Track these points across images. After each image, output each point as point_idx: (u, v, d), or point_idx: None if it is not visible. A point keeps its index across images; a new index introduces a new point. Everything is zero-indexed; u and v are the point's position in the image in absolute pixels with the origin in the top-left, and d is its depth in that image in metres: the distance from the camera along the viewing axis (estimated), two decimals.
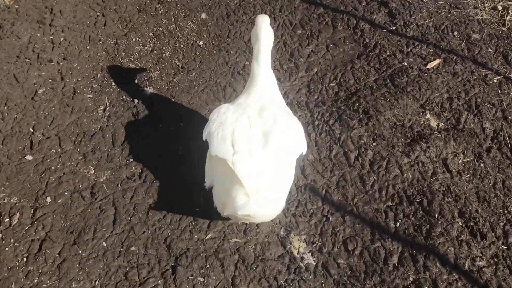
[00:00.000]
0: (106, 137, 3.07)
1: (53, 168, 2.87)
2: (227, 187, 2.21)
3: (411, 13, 4.05)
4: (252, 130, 2.32)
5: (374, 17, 4.04)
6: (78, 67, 3.57)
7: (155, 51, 3.76)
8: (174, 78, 3.53)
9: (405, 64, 3.59)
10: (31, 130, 3.09)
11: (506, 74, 3.49)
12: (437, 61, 3.61)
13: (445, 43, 3.78)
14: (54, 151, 2.97)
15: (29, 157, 2.89)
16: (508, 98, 3.30)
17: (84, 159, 2.94)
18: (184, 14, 4.10)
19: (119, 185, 2.80)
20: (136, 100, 3.33)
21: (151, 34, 3.92)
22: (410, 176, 2.87)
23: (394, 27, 3.94)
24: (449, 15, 4.05)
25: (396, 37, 3.86)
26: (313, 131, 3.14)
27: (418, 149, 2.98)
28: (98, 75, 3.52)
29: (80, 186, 2.79)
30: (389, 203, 2.74)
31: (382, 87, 3.40)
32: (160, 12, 4.12)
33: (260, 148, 2.25)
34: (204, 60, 3.68)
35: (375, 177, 2.87)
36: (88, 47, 3.75)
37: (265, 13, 4.12)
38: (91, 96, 3.35)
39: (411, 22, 3.97)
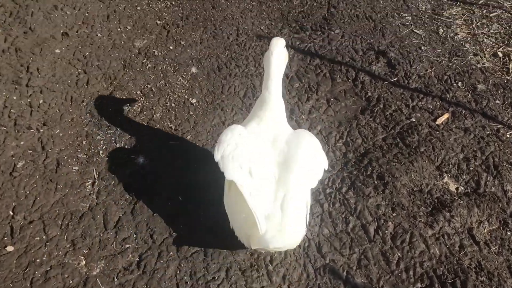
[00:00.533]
0: (97, 218, 2.73)
1: (38, 260, 2.51)
2: (251, 219, 2.05)
3: (411, 63, 3.88)
4: (268, 160, 2.22)
5: (374, 68, 3.85)
6: (61, 134, 3.23)
7: (144, 112, 3.46)
8: (168, 143, 3.22)
9: (413, 120, 3.38)
10: (11, 213, 2.72)
11: None
12: (446, 116, 3.42)
13: (451, 94, 3.60)
14: (39, 238, 2.61)
15: (10, 248, 2.53)
16: None
17: (73, 247, 2.59)
18: (173, 69, 3.83)
19: (115, 279, 2.46)
20: (127, 171, 3.01)
21: (139, 92, 3.62)
22: (437, 252, 2.62)
23: (395, 79, 3.75)
24: (450, 64, 3.90)
25: (399, 89, 3.67)
26: (326, 200, 2.88)
27: (442, 219, 2.75)
28: (84, 143, 3.19)
29: (71, 282, 2.43)
30: (419, 285, 2.48)
31: (393, 147, 3.17)
32: (147, 67, 3.83)
33: (275, 179, 2.18)
34: (199, 121, 3.40)
35: (399, 254, 2.61)
36: (70, 110, 3.43)
37: (258, 64, 3.89)
38: (76, 168, 3.02)
39: (412, 73, 3.79)
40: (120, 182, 2.95)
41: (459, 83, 3.71)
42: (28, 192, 2.84)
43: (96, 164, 3.05)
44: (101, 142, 3.20)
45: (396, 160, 3.06)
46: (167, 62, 3.90)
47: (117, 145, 3.19)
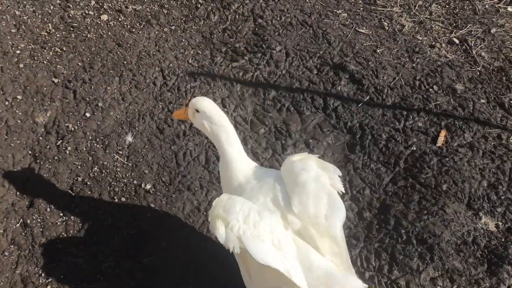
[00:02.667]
0: None
1: None
2: None
3: (376, 73, 3.38)
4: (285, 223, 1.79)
5: (339, 88, 3.29)
6: None
7: (89, 220, 2.57)
8: (141, 261, 2.40)
9: (414, 148, 2.90)
10: None
11: None
12: (443, 133, 3.00)
13: (433, 103, 3.17)
14: None
15: None
16: None
17: None
18: (102, 145, 2.94)
19: None
20: None
21: (69, 190, 2.69)
22: None
23: (367, 97, 3.23)
24: (414, 65, 3.47)
25: (377, 110, 3.16)
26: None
27: (506, 276, 2.32)
28: None
29: None
30: None
31: (410, 192, 2.67)
32: (67, 151, 2.89)
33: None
34: (166, 215, 2.60)
35: None
36: None
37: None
38: None
39: (382, 86, 3.29)
40: None
41: (435, 87, 3.30)
42: None
43: None
44: (48, 285, 2.29)
45: (425, 210, 2.56)
46: (90, 137, 2.98)
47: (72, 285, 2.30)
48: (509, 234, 2.50)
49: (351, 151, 2.94)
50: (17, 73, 3.34)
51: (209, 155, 2.90)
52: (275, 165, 2.84)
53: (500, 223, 2.56)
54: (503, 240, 2.47)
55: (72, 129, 3.01)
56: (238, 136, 2.04)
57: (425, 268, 2.35)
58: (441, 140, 2.95)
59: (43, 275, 2.34)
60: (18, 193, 2.68)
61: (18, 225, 2.54)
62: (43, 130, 3.00)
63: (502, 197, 2.65)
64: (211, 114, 2.02)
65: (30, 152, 2.88)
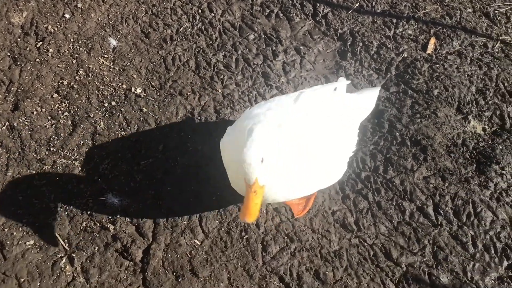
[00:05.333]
0: None
1: None
2: None
3: None
4: None
5: None
6: None
7: (80, 125, 2.48)
8: (139, 164, 2.36)
9: (405, 55, 2.91)
10: None
11: (501, 38, 3.05)
12: (432, 41, 3.01)
13: (421, 11, 3.16)
14: None
15: None
16: None
17: None
18: (86, 48, 2.79)
19: None
20: (106, 222, 2.15)
21: (55, 95, 2.59)
22: (505, 216, 2.32)
23: (357, 4, 3.18)
24: None
25: (367, 17, 3.12)
26: (367, 189, 2.37)
27: (493, 174, 2.43)
28: (19, 198, 2.20)
29: None
30: (506, 263, 2.18)
31: (403, 97, 2.71)
32: (48, 53, 2.74)
33: None
34: (161, 119, 2.54)
35: (471, 232, 2.26)
36: None
37: (192, 17, 3.01)
38: (31, 241, 2.09)
39: None
40: (106, 244, 2.10)
41: None
42: None
43: (56, 227, 2.12)
44: (43, 187, 2.24)
45: (418, 114, 2.61)
46: (72, 40, 2.82)
47: (72, 189, 2.26)
48: (495, 136, 2.59)
49: (343, 58, 2.92)
50: None
51: (199, 60, 2.82)
52: (267, 70, 2.80)
53: (487, 127, 2.65)
54: (490, 142, 2.57)
55: (52, 30, 2.83)
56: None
57: (419, 167, 2.43)
58: (430, 47, 2.97)
59: (36, 177, 2.28)
60: (0, 95, 2.54)
61: (4, 127, 2.42)
62: (20, 31, 2.82)
63: (489, 102, 2.72)
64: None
65: (8, 53, 2.71)
